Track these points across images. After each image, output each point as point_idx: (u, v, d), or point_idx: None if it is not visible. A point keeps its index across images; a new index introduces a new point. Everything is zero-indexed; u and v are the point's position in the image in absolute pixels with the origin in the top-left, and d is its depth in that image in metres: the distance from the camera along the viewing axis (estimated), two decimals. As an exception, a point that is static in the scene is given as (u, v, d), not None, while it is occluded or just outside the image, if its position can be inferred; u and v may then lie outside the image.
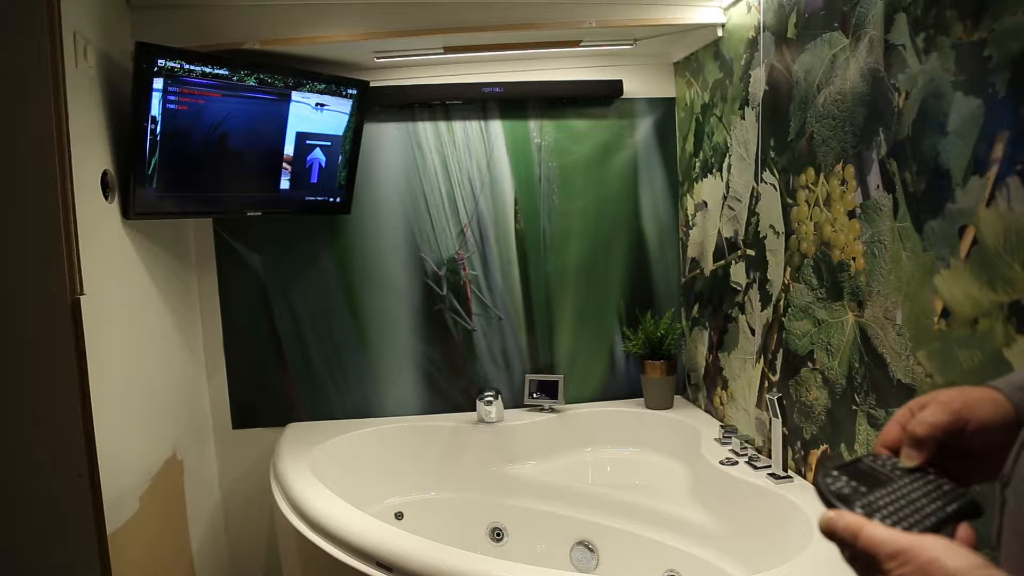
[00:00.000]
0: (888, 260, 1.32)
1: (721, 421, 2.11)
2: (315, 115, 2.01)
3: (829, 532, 0.52)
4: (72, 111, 1.44)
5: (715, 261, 2.13)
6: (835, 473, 0.57)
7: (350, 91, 2.06)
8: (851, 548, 0.51)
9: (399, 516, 2.15)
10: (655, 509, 1.95)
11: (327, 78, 1.99)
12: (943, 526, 0.52)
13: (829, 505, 0.54)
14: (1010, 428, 0.57)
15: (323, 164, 2.10)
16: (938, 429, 0.57)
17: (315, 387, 2.34)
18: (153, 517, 1.75)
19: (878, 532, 0.49)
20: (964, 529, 0.52)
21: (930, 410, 0.59)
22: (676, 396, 2.38)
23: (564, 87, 2.27)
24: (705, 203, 2.18)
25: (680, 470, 2.09)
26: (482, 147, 2.32)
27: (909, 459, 0.58)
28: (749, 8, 1.83)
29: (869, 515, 0.52)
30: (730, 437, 1.92)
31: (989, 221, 1.06)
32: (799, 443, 1.67)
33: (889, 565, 0.48)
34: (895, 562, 0.47)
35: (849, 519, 0.51)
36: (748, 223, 1.89)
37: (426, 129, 2.30)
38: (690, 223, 2.31)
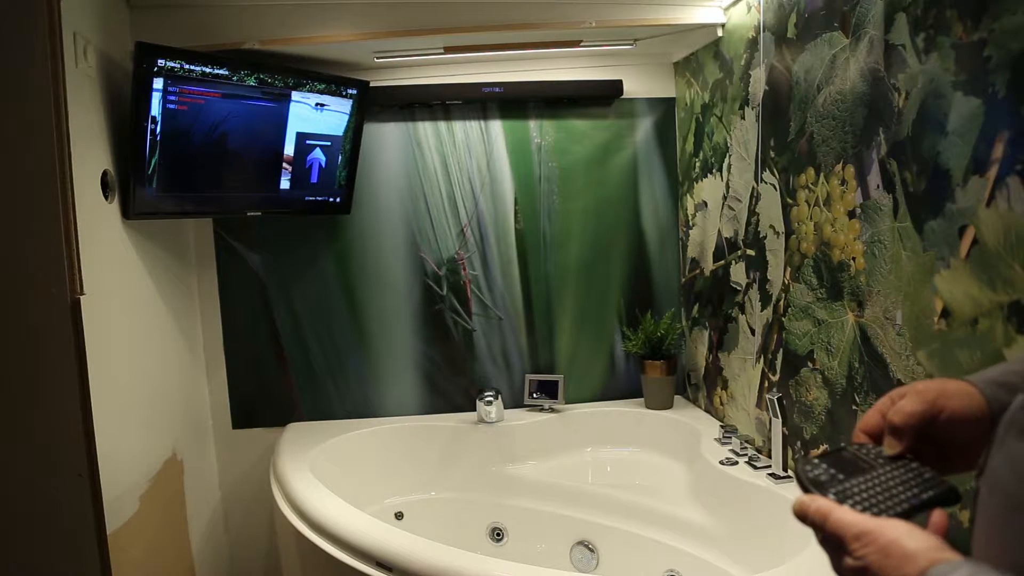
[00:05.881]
0: (888, 260, 1.32)
1: (721, 421, 2.11)
2: (315, 115, 2.01)
3: (801, 515, 0.56)
4: (72, 111, 1.44)
5: (715, 261, 2.13)
6: (815, 461, 0.60)
7: (350, 91, 2.06)
8: (821, 531, 0.54)
9: (399, 516, 2.15)
10: (655, 509, 1.95)
11: (327, 78, 1.99)
12: (915, 512, 0.54)
13: (806, 491, 0.57)
14: (981, 422, 0.60)
15: (323, 164, 2.10)
16: (915, 417, 0.60)
17: (315, 387, 2.34)
18: (153, 517, 1.75)
19: (846, 515, 0.53)
20: (938, 514, 0.54)
21: (907, 399, 0.62)
22: (676, 396, 2.38)
23: (564, 87, 2.27)
24: (705, 203, 2.18)
25: (680, 470, 2.09)
26: (482, 147, 2.32)
27: (891, 447, 0.61)
28: (749, 8, 1.83)
29: (841, 501, 0.54)
30: (730, 437, 1.92)
31: (989, 221, 1.06)
32: (799, 443, 1.67)
33: (853, 545, 0.51)
34: (859, 543, 0.51)
35: (820, 503, 0.55)
36: (748, 223, 1.89)
37: (426, 129, 2.29)
38: (690, 223, 2.31)
